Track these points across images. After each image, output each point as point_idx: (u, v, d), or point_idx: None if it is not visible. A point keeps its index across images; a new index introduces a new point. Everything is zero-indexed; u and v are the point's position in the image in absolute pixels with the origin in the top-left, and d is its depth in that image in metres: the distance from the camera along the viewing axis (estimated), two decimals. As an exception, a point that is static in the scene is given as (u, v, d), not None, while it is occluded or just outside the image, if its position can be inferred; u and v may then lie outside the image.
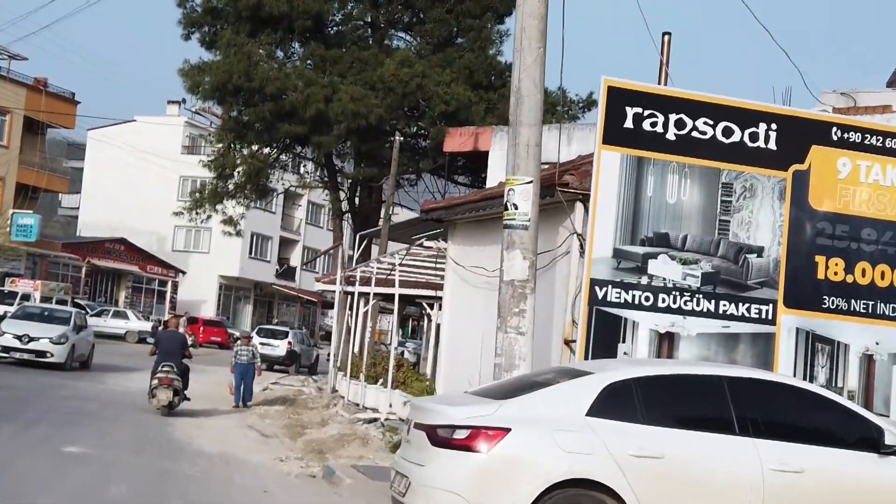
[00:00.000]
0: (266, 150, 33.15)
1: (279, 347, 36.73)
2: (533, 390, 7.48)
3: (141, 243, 58.61)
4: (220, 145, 32.72)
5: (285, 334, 38.30)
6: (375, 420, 17.69)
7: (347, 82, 30.84)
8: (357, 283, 22.67)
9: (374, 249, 33.91)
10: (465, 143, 31.34)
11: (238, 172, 32.33)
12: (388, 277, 20.26)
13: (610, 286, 11.06)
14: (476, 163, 34.22)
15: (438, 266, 19.33)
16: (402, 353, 37.83)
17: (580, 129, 30.74)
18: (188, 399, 17.54)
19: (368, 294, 23.45)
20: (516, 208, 10.01)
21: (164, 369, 16.76)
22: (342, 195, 34.72)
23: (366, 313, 25.39)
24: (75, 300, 45.12)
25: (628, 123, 11.15)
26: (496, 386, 8.36)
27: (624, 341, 11.14)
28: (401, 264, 18.43)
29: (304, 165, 35.46)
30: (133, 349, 39.25)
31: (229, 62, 30.46)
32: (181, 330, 19.11)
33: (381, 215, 36.14)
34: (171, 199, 53.86)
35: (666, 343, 11.24)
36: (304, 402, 23.02)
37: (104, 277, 56.57)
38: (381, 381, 19.42)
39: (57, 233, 62.37)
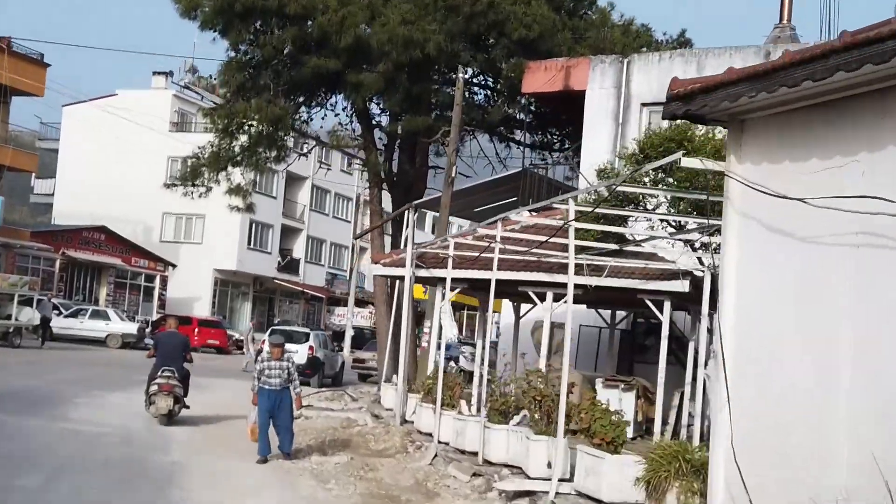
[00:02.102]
0: (284, 101, 25.23)
1: (299, 353, 28.58)
2: None
3: (124, 233, 51.19)
4: (226, 90, 24.90)
5: (305, 337, 30.33)
6: (531, 494, 10.15)
7: (391, 5, 23.27)
8: (450, 264, 15.01)
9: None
10: (551, 80, 23.72)
11: (250, 126, 24.50)
12: (508, 256, 12.71)
13: None
14: (557, 113, 26.72)
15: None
16: (456, 360, 30.23)
17: (715, 56, 23.40)
18: (188, 407, 15.79)
19: (450, 280, 15.92)
20: None
21: (165, 374, 15.27)
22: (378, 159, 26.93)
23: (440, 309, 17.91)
24: (51, 298, 37.54)
25: None
26: None
27: None
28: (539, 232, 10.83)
29: (337, 115, 27.52)
30: (115, 356, 31.69)
31: (237, -23, 22.81)
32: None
33: (428, 183, 28.65)
34: (158, 182, 46.00)
35: None
36: (365, 441, 15.43)
37: (82, 271, 48.78)
38: (514, 419, 11.86)
39: (27, 220, 54.45)
